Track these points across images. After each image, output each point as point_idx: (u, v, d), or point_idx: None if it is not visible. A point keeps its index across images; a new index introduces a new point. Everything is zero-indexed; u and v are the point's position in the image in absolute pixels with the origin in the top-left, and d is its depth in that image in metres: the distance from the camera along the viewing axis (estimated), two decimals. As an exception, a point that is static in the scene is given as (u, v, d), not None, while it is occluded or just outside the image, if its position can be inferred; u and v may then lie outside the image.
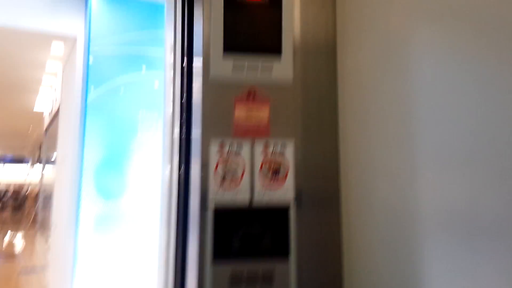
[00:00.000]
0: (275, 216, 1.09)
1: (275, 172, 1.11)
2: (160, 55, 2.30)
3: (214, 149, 1.08)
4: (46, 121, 7.71)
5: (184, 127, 1.24)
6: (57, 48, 4.63)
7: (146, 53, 3.11)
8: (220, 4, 1.13)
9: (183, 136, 1.25)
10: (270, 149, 1.11)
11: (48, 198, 6.44)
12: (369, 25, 1.10)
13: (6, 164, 19.13)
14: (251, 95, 1.13)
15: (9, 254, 7.72)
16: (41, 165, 9.34)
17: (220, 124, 1.11)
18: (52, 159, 6.35)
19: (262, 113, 1.13)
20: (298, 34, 1.17)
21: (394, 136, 1.00)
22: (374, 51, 1.08)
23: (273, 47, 1.13)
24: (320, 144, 1.17)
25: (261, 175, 1.10)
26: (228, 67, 1.12)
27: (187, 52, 1.27)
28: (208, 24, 1.13)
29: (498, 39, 0.75)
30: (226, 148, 1.09)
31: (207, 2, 1.14)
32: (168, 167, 1.31)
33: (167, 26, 1.40)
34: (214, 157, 1.08)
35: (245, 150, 1.10)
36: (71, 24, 3.44)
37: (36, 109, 8.44)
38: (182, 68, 1.29)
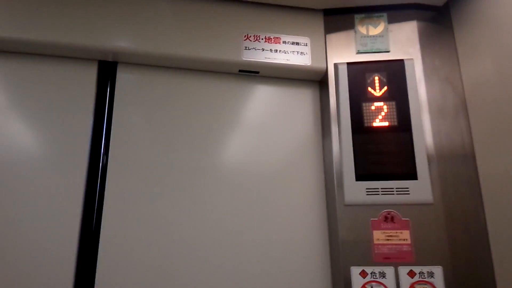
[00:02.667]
0: None
1: (424, 302, 1.03)
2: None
3: (355, 279, 1.07)
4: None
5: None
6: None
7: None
8: (348, 133, 1.18)
9: None
10: (416, 278, 1.04)
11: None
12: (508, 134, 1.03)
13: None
14: (388, 218, 1.12)
15: None
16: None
17: (359, 248, 1.10)
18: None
19: (403, 236, 1.10)
20: (432, 149, 1.14)
21: None
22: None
23: (407, 174, 1.13)
24: (473, 268, 1.06)
25: (409, 306, 1.03)
26: (362, 192, 1.14)
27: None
28: (339, 152, 1.18)
29: None
30: (368, 277, 1.06)
31: (335, 131, 1.20)
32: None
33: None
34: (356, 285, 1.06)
35: (389, 279, 1.05)
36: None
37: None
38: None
